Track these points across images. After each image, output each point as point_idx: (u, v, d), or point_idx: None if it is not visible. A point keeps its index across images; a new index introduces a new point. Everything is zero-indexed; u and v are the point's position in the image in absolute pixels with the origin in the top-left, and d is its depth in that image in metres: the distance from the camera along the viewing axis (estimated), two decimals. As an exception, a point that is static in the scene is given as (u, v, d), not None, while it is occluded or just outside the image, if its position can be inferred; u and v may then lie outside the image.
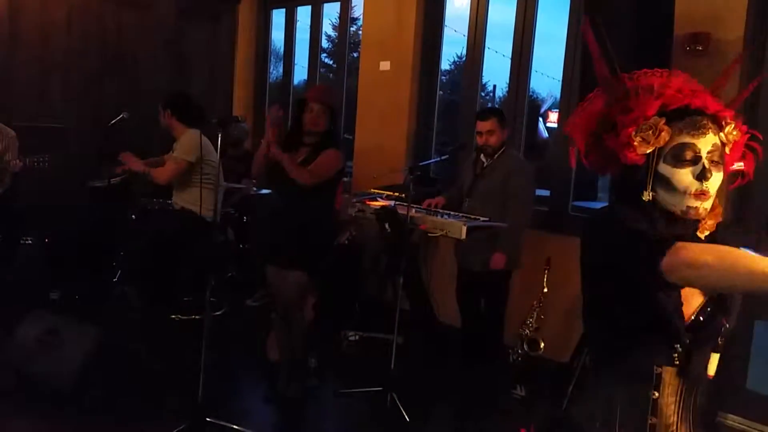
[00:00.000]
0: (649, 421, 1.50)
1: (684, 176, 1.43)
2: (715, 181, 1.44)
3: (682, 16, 3.41)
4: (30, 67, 5.75)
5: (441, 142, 5.84)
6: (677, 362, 1.46)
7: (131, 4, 6.18)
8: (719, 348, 1.48)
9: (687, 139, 1.44)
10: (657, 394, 1.49)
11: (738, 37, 3.56)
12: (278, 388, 3.79)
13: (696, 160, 1.43)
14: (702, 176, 1.42)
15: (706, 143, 1.43)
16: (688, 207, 1.43)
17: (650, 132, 1.43)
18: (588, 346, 1.76)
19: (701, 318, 1.47)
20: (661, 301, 1.40)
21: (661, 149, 1.45)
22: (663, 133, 1.43)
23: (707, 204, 1.44)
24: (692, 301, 1.47)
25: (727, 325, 1.48)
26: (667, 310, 1.41)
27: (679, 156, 1.44)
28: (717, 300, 1.49)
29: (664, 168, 1.45)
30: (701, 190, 1.42)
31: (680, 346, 1.45)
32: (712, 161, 1.43)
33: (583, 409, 1.63)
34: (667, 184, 1.44)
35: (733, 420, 3.70)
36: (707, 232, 1.49)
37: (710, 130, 1.44)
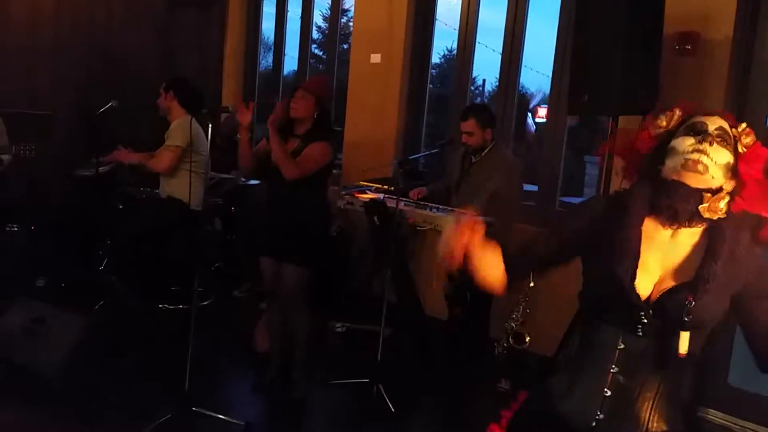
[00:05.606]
0: (605, 394, 1.58)
1: (686, 140, 1.54)
2: (718, 152, 1.51)
3: (672, 15, 3.43)
4: (18, 55, 5.69)
5: (430, 136, 5.85)
6: (641, 333, 1.54)
7: (120, -9, 6.14)
8: (688, 326, 1.49)
9: (697, 119, 1.57)
10: (616, 369, 1.57)
11: (727, 37, 3.59)
12: (267, 380, 3.80)
13: (702, 131, 1.53)
14: (702, 137, 1.51)
15: (714, 122, 1.55)
16: (686, 159, 1.51)
17: (666, 116, 1.62)
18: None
19: (666, 296, 1.54)
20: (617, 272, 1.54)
21: (676, 129, 1.59)
22: (676, 116, 1.60)
23: (705, 160, 1.50)
24: (663, 283, 1.56)
25: (693, 303, 1.49)
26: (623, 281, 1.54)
27: (689, 129, 1.56)
28: (689, 282, 1.53)
29: (674, 142, 1.56)
30: (699, 148, 1.51)
31: (644, 316, 1.53)
32: (717, 136, 1.52)
33: (561, 379, 1.71)
34: (673, 150, 1.55)
35: (714, 415, 3.74)
36: (715, 216, 1.53)
37: (719, 116, 1.57)
